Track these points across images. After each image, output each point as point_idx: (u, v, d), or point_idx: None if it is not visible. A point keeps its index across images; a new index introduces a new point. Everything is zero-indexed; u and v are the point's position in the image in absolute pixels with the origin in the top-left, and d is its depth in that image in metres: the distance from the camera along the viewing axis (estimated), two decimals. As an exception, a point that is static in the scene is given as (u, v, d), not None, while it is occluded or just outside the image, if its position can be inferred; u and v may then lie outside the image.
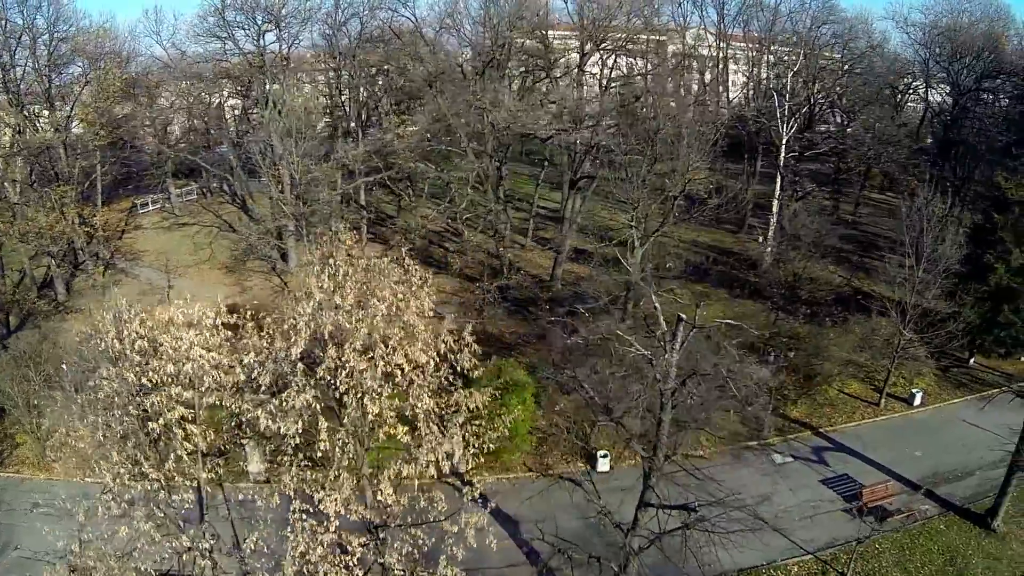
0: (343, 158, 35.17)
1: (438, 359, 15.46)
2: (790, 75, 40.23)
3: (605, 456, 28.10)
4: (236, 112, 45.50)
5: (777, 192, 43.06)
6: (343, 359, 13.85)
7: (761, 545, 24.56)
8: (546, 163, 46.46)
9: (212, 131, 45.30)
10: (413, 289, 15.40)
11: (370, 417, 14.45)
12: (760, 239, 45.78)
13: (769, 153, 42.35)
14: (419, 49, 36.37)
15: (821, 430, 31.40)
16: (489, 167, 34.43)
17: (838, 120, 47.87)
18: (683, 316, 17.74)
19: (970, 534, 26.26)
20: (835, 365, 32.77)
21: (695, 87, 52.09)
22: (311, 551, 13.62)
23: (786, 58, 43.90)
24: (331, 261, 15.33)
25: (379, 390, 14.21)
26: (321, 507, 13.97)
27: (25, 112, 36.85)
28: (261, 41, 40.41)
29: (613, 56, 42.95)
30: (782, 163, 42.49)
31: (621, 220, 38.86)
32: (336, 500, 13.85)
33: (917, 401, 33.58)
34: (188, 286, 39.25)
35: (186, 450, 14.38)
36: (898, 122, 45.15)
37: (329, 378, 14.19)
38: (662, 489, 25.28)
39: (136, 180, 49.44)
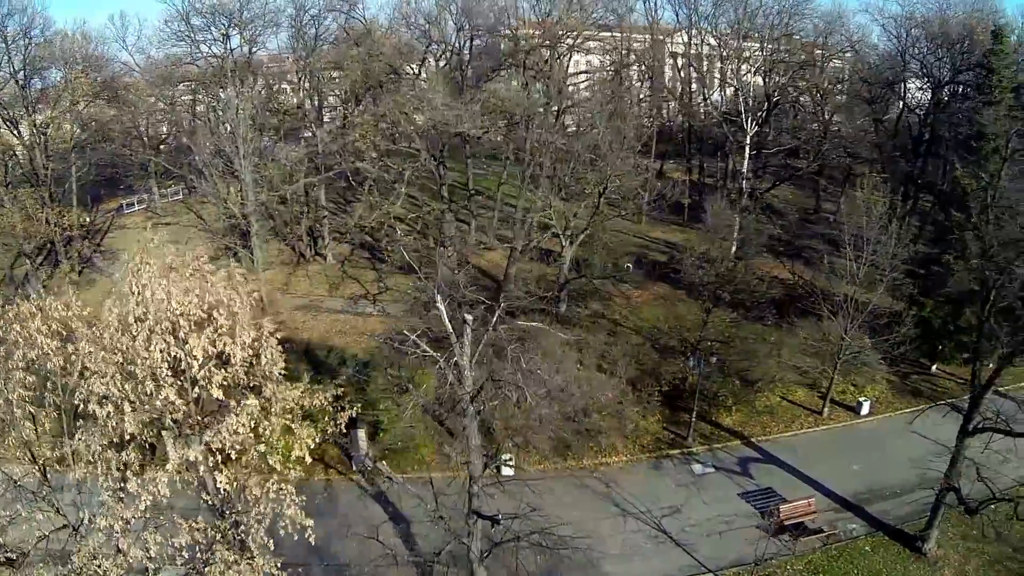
0: (283, 159, 34.57)
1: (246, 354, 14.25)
2: (752, 71, 37.48)
3: (509, 459, 26.35)
4: (200, 115, 45.51)
5: (744, 189, 40.22)
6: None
7: (659, 560, 22.67)
8: (508, 161, 44.87)
9: (176, 134, 45.45)
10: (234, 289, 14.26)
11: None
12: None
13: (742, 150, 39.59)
14: (370, 50, 35.47)
15: (753, 439, 28.82)
16: (422, 165, 33.14)
17: (796, 117, 44.56)
18: (468, 318, 16.02)
19: (898, 558, 23.48)
20: (775, 370, 30.05)
21: (641, 84, 49.19)
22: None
23: (746, 53, 40.99)
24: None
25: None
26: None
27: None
28: (228, 44, 40.25)
29: (570, 54, 40.99)
30: (746, 160, 39.71)
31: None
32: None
33: (864, 410, 30.58)
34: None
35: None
36: (873, 117, 41.70)
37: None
38: (561, 495, 23.60)
39: (123, 181, 50.11)
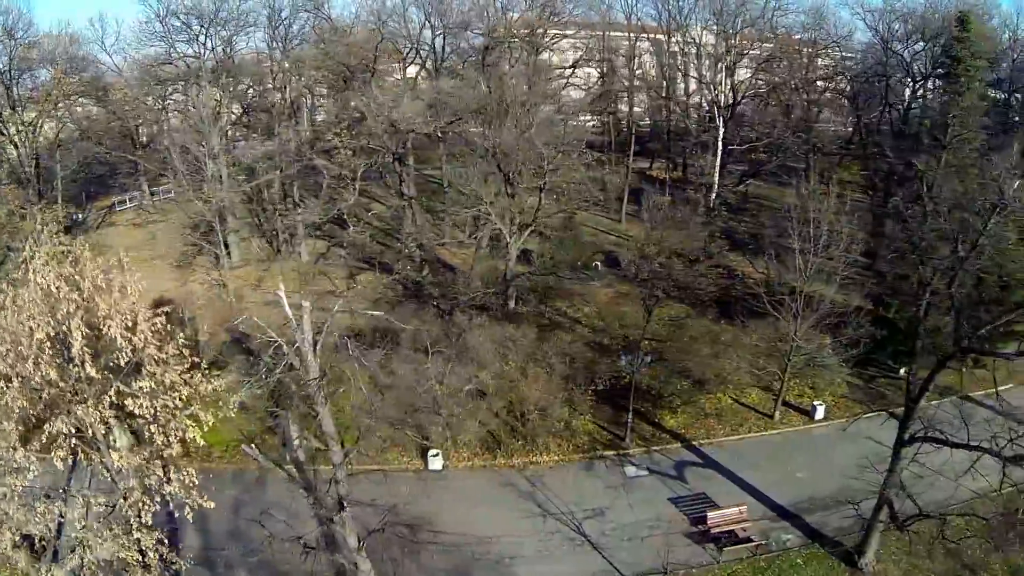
0: (245, 157, 34.65)
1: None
2: (721, 66, 35.95)
3: (437, 455, 25.56)
4: (173, 114, 46.08)
5: (713, 186, 38.63)
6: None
7: (573, 563, 21.56)
8: (480, 158, 44.12)
9: (156, 134, 46.12)
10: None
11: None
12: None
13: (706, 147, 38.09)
14: (328, 50, 35.40)
15: (695, 443, 27.31)
16: (379, 162, 32.72)
17: (766, 111, 42.54)
18: (305, 304, 15.42)
19: (831, 572, 21.82)
20: (723, 371, 28.54)
21: (602, 80, 47.69)
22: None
23: (716, 50, 39.35)
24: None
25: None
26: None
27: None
28: (204, 45, 40.58)
29: (536, 52, 40.03)
30: (717, 157, 38.13)
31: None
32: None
33: (819, 415, 28.73)
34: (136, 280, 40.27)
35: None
36: (856, 113, 39.57)
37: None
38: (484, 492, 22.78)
39: (116, 179, 51.19)
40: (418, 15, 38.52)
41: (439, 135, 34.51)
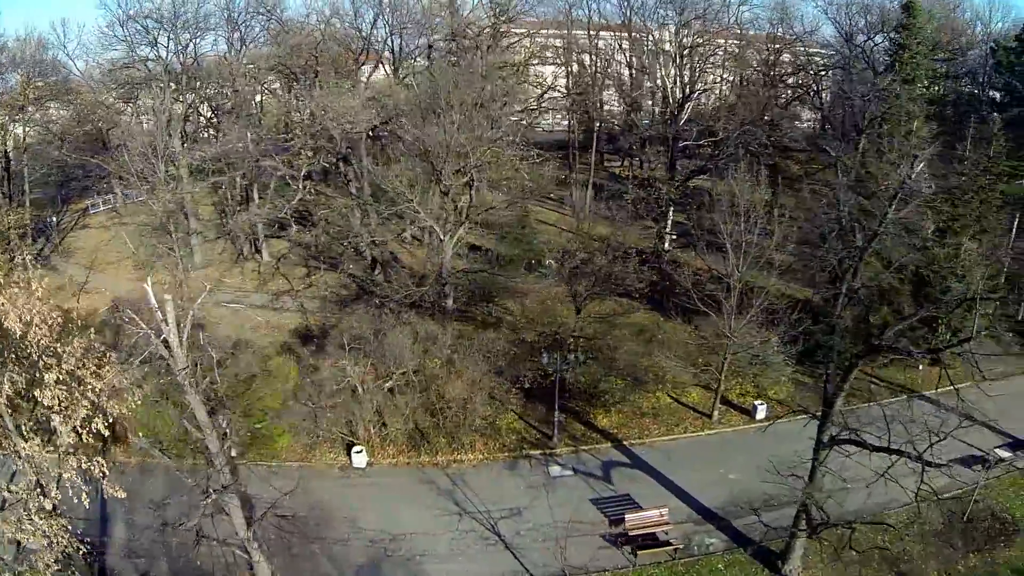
0: (192, 158, 34.59)
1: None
2: (669, 61, 35.11)
3: (360, 451, 24.95)
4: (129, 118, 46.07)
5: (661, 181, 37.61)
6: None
7: (484, 562, 20.79)
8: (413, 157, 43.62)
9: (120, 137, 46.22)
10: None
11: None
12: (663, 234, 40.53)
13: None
14: (279, 51, 35.33)
15: (626, 443, 26.36)
16: (321, 161, 32.38)
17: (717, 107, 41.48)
18: (146, 286, 15.06)
19: (752, 578, 20.77)
20: (658, 368, 27.56)
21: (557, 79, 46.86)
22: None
23: (668, 47, 38.46)
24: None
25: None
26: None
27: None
28: (171, 46, 40.60)
29: (486, 49, 39.47)
30: (671, 152, 37.22)
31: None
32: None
33: (760, 414, 27.61)
34: (102, 281, 39.98)
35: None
36: (819, 106, 38.46)
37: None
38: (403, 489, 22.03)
39: (91, 182, 51.49)
40: (368, 14, 38.33)
41: (371, 135, 34.15)
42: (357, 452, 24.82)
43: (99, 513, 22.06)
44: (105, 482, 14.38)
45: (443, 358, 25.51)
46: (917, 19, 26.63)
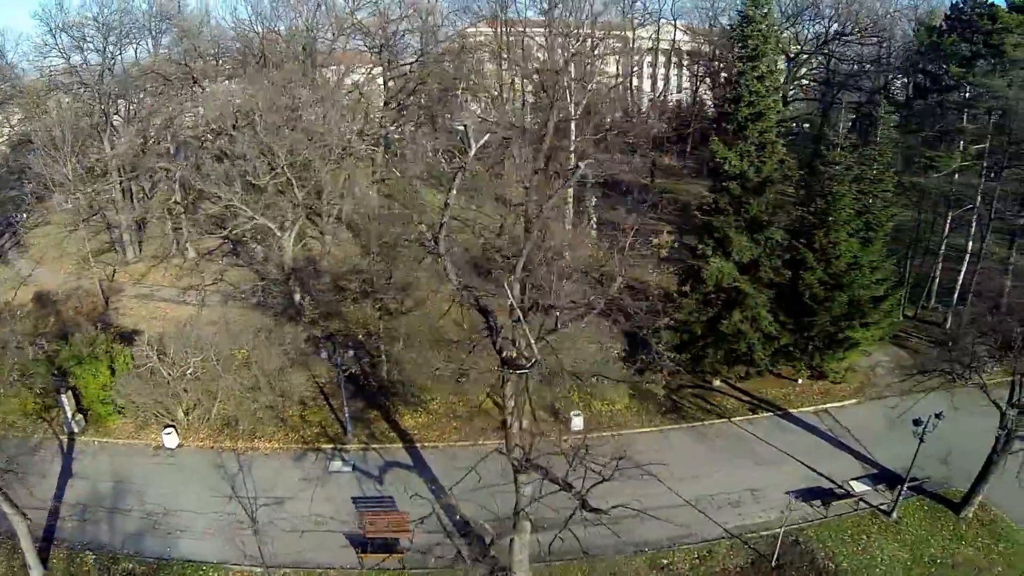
0: (100, 158, 37.34)
1: None
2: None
3: (170, 433, 26.26)
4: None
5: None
6: None
7: (227, 545, 21.44)
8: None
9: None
10: None
11: None
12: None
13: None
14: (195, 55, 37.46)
15: (418, 445, 25.67)
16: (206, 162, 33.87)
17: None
18: None
19: (472, 591, 19.63)
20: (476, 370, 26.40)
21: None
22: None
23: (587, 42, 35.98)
24: None
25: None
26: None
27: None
28: (108, 52, 43.17)
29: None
30: (572, 148, 35.33)
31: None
32: None
33: (577, 425, 25.77)
34: (43, 275, 43.09)
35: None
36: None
37: None
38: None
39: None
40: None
41: (205, 139, 35.17)
42: (167, 433, 26.20)
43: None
44: None
45: (248, 349, 26.23)
46: (759, 4, 23.46)
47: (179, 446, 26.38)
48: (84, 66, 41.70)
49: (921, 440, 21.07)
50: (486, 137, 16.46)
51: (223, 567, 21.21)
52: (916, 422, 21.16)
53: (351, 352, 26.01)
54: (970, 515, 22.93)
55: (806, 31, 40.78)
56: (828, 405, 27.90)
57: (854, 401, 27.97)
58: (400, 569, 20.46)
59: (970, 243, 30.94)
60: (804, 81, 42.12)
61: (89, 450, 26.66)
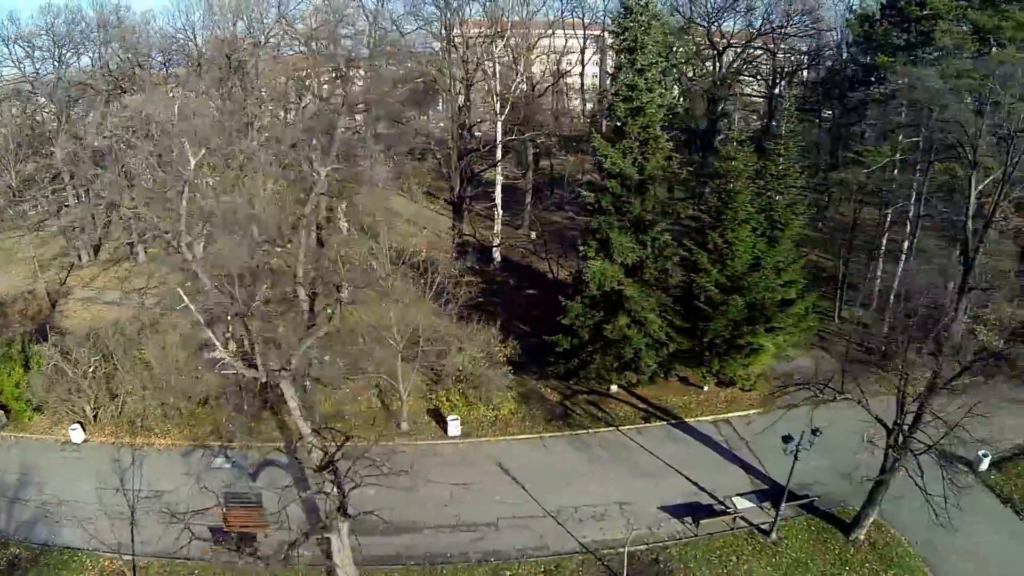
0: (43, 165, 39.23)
1: None
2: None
3: (76, 428, 27.43)
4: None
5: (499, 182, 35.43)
6: None
7: (108, 535, 22.01)
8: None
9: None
10: None
11: None
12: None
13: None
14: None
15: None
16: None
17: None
18: None
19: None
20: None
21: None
22: None
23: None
24: None
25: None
26: None
27: None
28: (62, 61, 44.29)
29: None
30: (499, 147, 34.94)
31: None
32: None
33: (454, 431, 25.38)
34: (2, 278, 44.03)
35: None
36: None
37: None
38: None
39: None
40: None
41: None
42: (73, 429, 27.43)
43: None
44: None
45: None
46: None
47: (84, 441, 27.53)
48: (36, 76, 43.56)
49: (796, 458, 19.76)
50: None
51: (95, 554, 22.14)
52: (785, 439, 19.87)
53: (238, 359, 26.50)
54: (861, 537, 21.41)
55: (733, 25, 39.04)
56: (731, 414, 26.59)
57: (759, 410, 26.44)
58: (252, 563, 20.69)
59: (906, 242, 28.75)
60: (744, 76, 40.21)
61: (5, 444, 28.04)
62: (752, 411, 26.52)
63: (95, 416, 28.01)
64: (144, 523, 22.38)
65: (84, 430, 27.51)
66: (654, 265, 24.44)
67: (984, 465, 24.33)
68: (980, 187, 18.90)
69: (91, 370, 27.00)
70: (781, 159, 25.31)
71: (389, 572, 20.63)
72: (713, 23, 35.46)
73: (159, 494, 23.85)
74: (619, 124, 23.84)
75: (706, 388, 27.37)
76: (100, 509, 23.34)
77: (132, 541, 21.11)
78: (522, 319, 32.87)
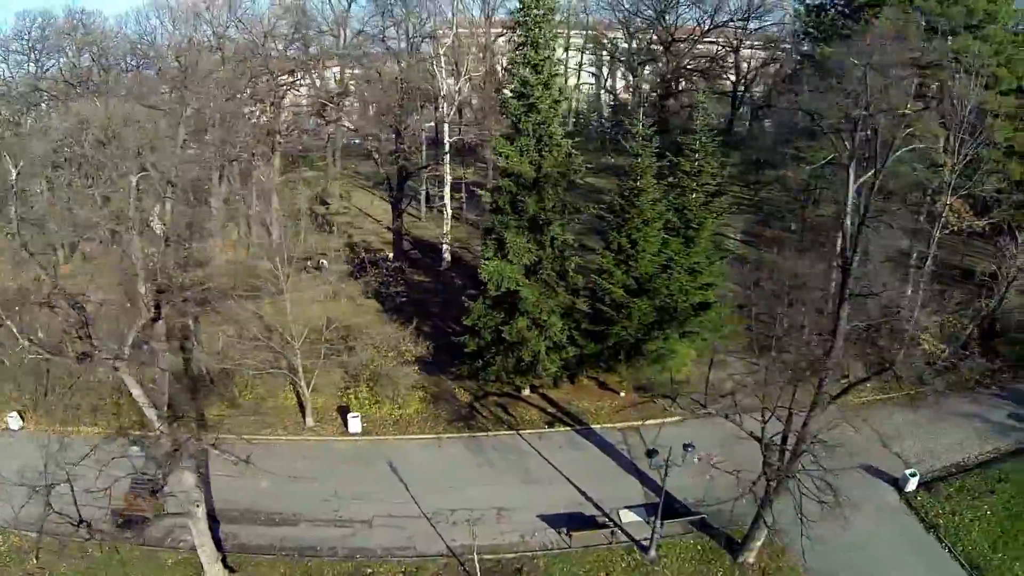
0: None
1: None
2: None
3: (13, 416, 29.11)
4: None
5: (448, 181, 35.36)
6: None
7: (10, 519, 23.52)
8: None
9: None
10: None
11: None
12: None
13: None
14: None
15: (217, 436, 26.45)
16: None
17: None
18: None
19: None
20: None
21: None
22: None
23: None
24: None
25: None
26: None
27: None
28: (38, 64, 46.14)
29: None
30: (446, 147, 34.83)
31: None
32: None
33: (354, 428, 25.40)
34: None
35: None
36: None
37: None
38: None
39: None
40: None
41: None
42: (11, 416, 29.18)
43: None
44: None
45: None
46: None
47: (21, 428, 29.29)
48: (13, 80, 46.26)
49: (665, 473, 18.63)
50: None
51: (7, 531, 23.74)
52: (649, 453, 18.90)
53: (146, 347, 27.53)
54: (751, 560, 20.07)
55: (677, 21, 37.22)
56: (644, 422, 25.36)
57: (677, 419, 25.13)
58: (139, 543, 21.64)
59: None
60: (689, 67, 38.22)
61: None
62: (668, 420, 25.25)
63: (35, 406, 29.91)
64: (55, 504, 23.73)
65: (22, 418, 29.34)
66: (551, 266, 23.73)
67: (911, 485, 22.27)
68: (860, 180, 17.29)
69: (26, 359, 28.72)
70: (696, 155, 24.07)
71: (257, 561, 20.88)
72: (661, 16, 33.91)
73: (74, 478, 24.99)
74: (514, 121, 23.33)
75: (622, 394, 26.30)
76: (16, 491, 24.80)
77: (43, 521, 22.53)
78: (456, 319, 32.69)
